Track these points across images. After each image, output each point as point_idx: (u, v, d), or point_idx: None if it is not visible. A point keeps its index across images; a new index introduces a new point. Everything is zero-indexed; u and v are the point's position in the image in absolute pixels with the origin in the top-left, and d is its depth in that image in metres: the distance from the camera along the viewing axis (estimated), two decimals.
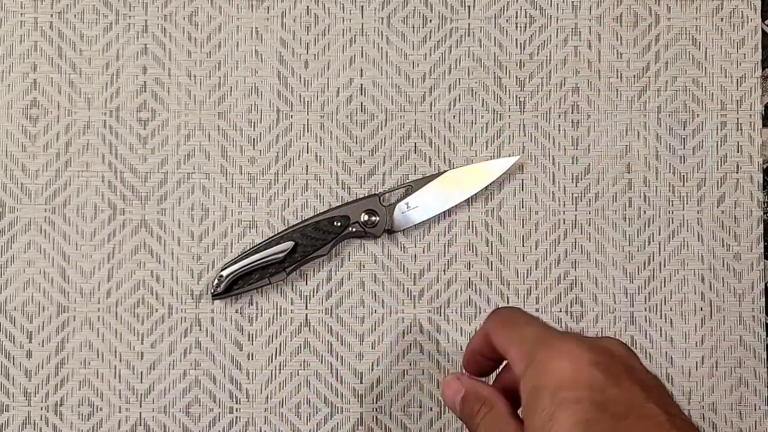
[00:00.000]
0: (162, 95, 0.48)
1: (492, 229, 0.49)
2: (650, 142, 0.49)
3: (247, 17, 0.49)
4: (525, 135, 0.49)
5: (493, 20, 0.49)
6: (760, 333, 0.48)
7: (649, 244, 0.49)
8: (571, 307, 0.48)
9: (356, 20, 0.49)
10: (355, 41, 0.49)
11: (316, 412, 0.47)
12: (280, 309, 0.48)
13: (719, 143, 0.49)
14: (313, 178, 0.49)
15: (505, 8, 0.49)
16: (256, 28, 0.49)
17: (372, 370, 0.48)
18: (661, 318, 0.48)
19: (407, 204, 0.47)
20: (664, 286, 0.48)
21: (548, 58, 0.49)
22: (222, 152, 0.48)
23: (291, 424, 0.47)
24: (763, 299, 0.48)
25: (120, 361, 0.47)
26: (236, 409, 0.47)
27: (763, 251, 0.49)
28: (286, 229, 0.47)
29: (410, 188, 0.48)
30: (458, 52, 0.49)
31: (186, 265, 0.48)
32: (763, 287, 0.49)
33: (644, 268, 0.48)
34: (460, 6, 0.49)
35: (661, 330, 0.48)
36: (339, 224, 0.47)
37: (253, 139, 0.49)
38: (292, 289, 0.48)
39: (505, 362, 0.35)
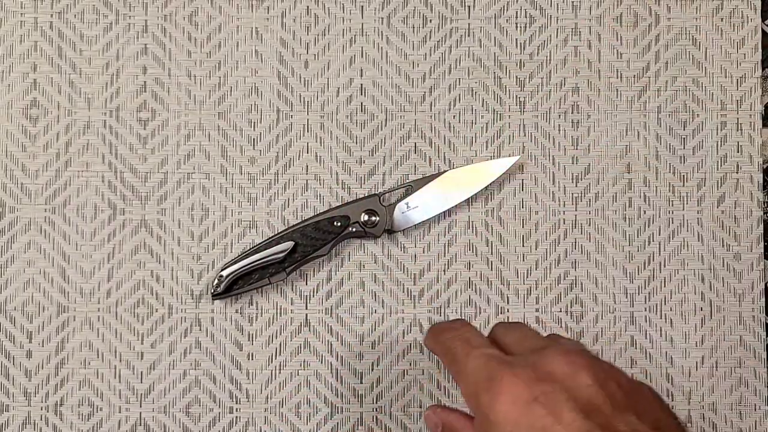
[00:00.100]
0: (162, 95, 0.49)
1: (492, 229, 0.49)
2: (650, 142, 0.49)
3: (247, 17, 0.49)
4: (525, 135, 0.49)
5: (493, 20, 0.49)
6: (760, 333, 0.48)
7: (649, 244, 0.49)
8: (571, 307, 0.48)
9: (356, 20, 0.49)
10: (355, 41, 0.49)
11: (316, 412, 0.47)
12: (280, 309, 0.48)
13: (719, 143, 0.49)
14: (313, 178, 0.49)
15: (505, 8, 0.49)
16: (256, 28, 0.49)
17: (372, 370, 0.48)
18: (661, 318, 0.48)
19: (407, 204, 0.47)
20: (664, 286, 0.48)
21: (548, 58, 0.49)
22: (222, 152, 0.48)
23: (291, 424, 0.47)
24: (763, 299, 0.48)
25: (120, 361, 0.47)
26: (236, 409, 0.47)
27: (763, 251, 0.49)
28: (286, 229, 0.47)
29: (410, 188, 0.48)
30: (458, 52, 0.49)
31: (186, 265, 0.48)
32: (763, 287, 0.49)
33: (644, 268, 0.48)
34: (460, 6, 0.49)
35: (661, 330, 0.48)
36: (339, 224, 0.47)
37: (253, 139, 0.49)
38: (292, 289, 0.48)
39: None
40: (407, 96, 0.49)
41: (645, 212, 0.49)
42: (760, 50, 0.50)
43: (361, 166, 0.49)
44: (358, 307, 0.48)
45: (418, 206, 0.47)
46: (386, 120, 0.49)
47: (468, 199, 0.48)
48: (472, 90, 0.49)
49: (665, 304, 0.48)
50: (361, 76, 0.49)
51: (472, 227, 0.49)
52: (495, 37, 0.49)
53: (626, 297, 0.48)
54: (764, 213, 0.49)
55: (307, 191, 0.48)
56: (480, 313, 0.48)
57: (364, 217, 0.47)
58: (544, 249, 0.49)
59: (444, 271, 0.48)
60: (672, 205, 0.49)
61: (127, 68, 0.49)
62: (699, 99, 0.49)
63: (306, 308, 0.48)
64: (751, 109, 0.49)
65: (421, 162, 0.49)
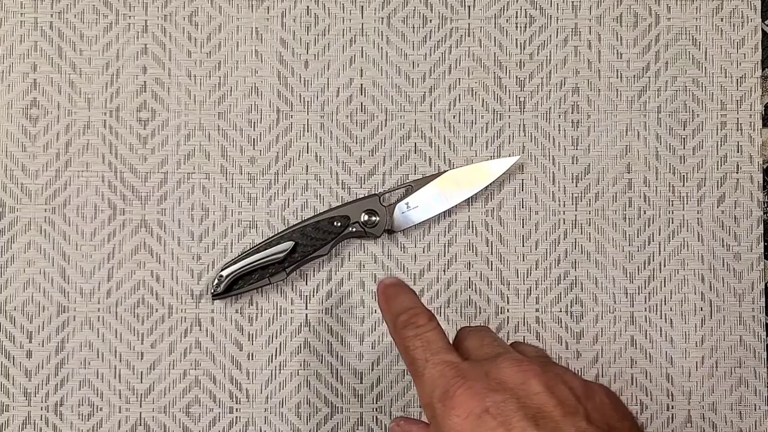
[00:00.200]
0: (162, 95, 0.49)
1: (492, 229, 0.49)
2: (650, 142, 0.49)
3: (247, 17, 0.49)
4: (525, 135, 0.49)
5: (493, 20, 0.49)
6: (760, 333, 0.48)
7: (649, 244, 0.49)
8: (571, 307, 0.48)
9: (356, 20, 0.49)
10: (355, 41, 0.49)
11: (316, 412, 0.47)
12: (280, 309, 0.48)
13: (719, 143, 0.49)
14: (313, 178, 0.49)
15: (505, 8, 0.49)
16: (256, 28, 0.49)
17: (372, 370, 0.48)
18: (661, 318, 0.48)
19: (407, 204, 0.47)
20: (664, 286, 0.48)
21: (548, 58, 0.49)
22: (222, 152, 0.48)
23: (291, 424, 0.47)
24: (763, 299, 0.48)
25: (120, 361, 0.47)
26: (236, 409, 0.47)
27: (763, 251, 0.49)
28: (286, 229, 0.47)
29: (410, 188, 0.48)
30: (458, 52, 0.49)
31: (186, 265, 0.48)
32: (763, 287, 0.49)
33: (644, 268, 0.49)
34: (460, 6, 0.49)
35: (661, 330, 0.48)
36: (339, 224, 0.47)
37: (253, 139, 0.49)
38: (292, 289, 0.48)
39: None
40: (407, 96, 0.49)
41: (645, 212, 0.49)
42: (760, 50, 0.50)
43: (361, 166, 0.49)
44: (358, 307, 0.48)
45: (418, 206, 0.47)
46: (386, 120, 0.49)
47: (468, 199, 0.48)
48: (472, 90, 0.49)
49: (665, 304, 0.48)
50: (361, 76, 0.49)
51: (472, 227, 0.49)
52: (495, 37, 0.49)
53: (626, 297, 0.48)
54: (764, 213, 0.49)
55: (307, 191, 0.48)
56: (480, 313, 0.48)
57: (364, 217, 0.47)
58: (544, 249, 0.49)
59: (444, 271, 0.48)
60: (672, 205, 0.49)
61: (127, 68, 0.49)
62: (699, 99, 0.49)
63: (306, 308, 0.48)
64: (751, 109, 0.49)
65: (421, 162, 0.49)
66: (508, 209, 0.49)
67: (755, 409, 0.48)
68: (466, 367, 0.33)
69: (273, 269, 0.46)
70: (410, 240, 0.48)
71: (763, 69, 0.50)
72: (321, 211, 0.48)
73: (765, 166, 0.49)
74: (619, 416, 0.32)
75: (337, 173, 0.49)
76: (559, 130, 0.49)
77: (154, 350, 0.47)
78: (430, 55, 0.49)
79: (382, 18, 0.49)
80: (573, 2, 0.49)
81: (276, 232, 0.47)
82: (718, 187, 0.49)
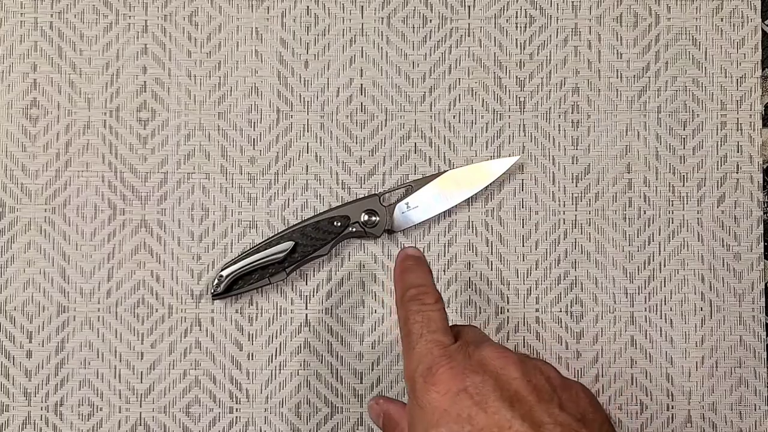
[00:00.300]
0: (162, 95, 0.49)
1: (492, 229, 0.49)
2: (650, 142, 0.49)
3: (247, 17, 0.49)
4: (525, 135, 0.49)
5: (493, 20, 0.49)
6: (760, 333, 0.48)
7: (649, 244, 0.49)
8: (571, 307, 0.48)
9: (356, 20, 0.49)
10: (355, 41, 0.49)
11: (316, 412, 0.47)
12: (280, 309, 0.48)
13: (719, 143, 0.49)
14: (313, 178, 0.49)
15: (505, 8, 0.49)
16: (256, 28, 0.49)
17: (372, 370, 0.48)
18: (661, 318, 0.48)
19: (407, 204, 0.47)
20: (664, 286, 0.48)
21: (548, 58, 0.49)
22: (222, 152, 0.48)
23: (291, 424, 0.47)
24: (763, 299, 0.48)
25: (120, 361, 0.47)
26: (236, 409, 0.47)
27: (763, 251, 0.49)
28: (286, 229, 0.47)
29: (410, 188, 0.48)
30: (458, 52, 0.49)
31: (186, 265, 0.48)
32: (763, 287, 0.49)
33: (644, 268, 0.48)
34: (460, 6, 0.49)
35: (661, 330, 0.48)
36: (339, 224, 0.47)
37: (253, 139, 0.49)
38: (292, 289, 0.48)
39: None
40: (407, 96, 0.49)
41: (645, 212, 0.49)
42: (760, 50, 0.50)
43: (361, 166, 0.49)
44: (358, 307, 0.48)
45: (418, 206, 0.47)
46: (386, 120, 0.49)
47: (468, 199, 0.48)
48: (472, 90, 0.49)
49: (665, 304, 0.48)
50: (361, 76, 0.49)
51: (472, 227, 0.49)
52: (495, 37, 0.49)
53: (626, 297, 0.48)
54: (764, 213, 0.49)
55: (307, 191, 0.48)
56: (480, 313, 0.48)
57: (364, 217, 0.47)
58: (544, 249, 0.49)
59: (444, 271, 0.48)
60: (672, 205, 0.49)
61: (127, 68, 0.49)
62: (699, 99, 0.49)
63: (306, 308, 0.48)
64: (751, 109, 0.49)
65: (421, 162, 0.49)
66: (508, 209, 0.49)
67: (755, 409, 0.48)
68: (453, 349, 0.34)
69: (273, 269, 0.46)
70: (410, 240, 0.48)
71: (763, 69, 0.50)
72: (321, 211, 0.48)
73: (765, 166, 0.49)
74: (593, 409, 0.33)
75: (337, 173, 0.49)
76: (559, 130, 0.49)
77: (154, 350, 0.47)
78: (430, 55, 0.49)
79: (382, 18, 0.49)
80: (573, 2, 0.49)
81: (276, 232, 0.47)
82: (718, 187, 0.49)
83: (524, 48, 0.49)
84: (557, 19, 0.49)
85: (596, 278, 0.48)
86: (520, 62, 0.49)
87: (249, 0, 0.49)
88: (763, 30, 0.50)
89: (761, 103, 0.49)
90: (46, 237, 0.48)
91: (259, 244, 0.47)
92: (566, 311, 0.48)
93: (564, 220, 0.49)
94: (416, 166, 0.49)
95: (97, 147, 0.48)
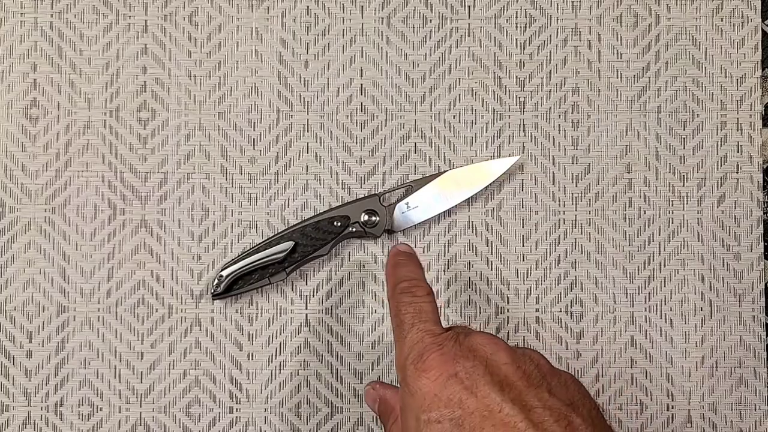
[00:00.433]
0: (162, 95, 0.49)
1: (492, 229, 0.49)
2: (650, 142, 0.49)
3: (247, 17, 0.49)
4: (525, 135, 0.49)
5: (493, 20, 0.49)
6: (760, 333, 0.48)
7: (649, 244, 0.49)
8: (571, 307, 0.48)
9: (356, 20, 0.49)
10: (355, 41, 0.49)
11: (316, 412, 0.47)
12: (280, 309, 0.48)
13: (719, 143, 0.49)
14: (313, 178, 0.49)
15: (505, 8, 0.49)
16: (256, 28, 0.49)
17: (372, 370, 0.48)
18: (661, 318, 0.48)
19: (407, 204, 0.47)
20: (664, 286, 0.48)
21: (548, 58, 0.49)
22: (222, 152, 0.48)
23: (291, 424, 0.47)
24: (763, 299, 0.48)
25: (120, 361, 0.47)
26: (236, 409, 0.47)
27: (763, 251, 0.49)
28: (286, 229, 0.47)
29: (410, 188, 0.48)
30: (458, 52, 0.49)
31: (186, 265, 0.48)
32: (763, 287, 0.49)
33: (644, 268, 0.48)
34: (460, 6, 0.49)
35: (661, 330, 0.48)
36: (339, 224, 0.47)
37: (253, 139, 0.49)
38: (292, 289, 0.48)
39: None
40: (407, 96, 0.49)
41: (645, 212, 0.49)
42: (760, 50, 0.50)
43: (361, 166, 0.49)
44: (358, 307, 0.48)
45: (418, 206, 0.47)
46: (386, 120, 0.49)
47: (468, 199, 0.48)
48: (472, 90, 0.49)
49: (665, 304, 0.48)
50: (361, 76, 0.49)
51: (472, 227, 0.49)
52: (495, 37, 0.49)
53: (626, 297, 0.48)
54: (764, 213, 0.49)
55: (307, 191, 0.48)
56: (480, 313, 0.48)
57: (364, 217, 0.47)
58: (544, 249, 0.49)
59: (444, 271, 0.48)
60: (672, 205, 0.49)
61: (127, 68, 0.49)
62: (699, 99, 0.49)
63: (306, 308, 0.48)
64: (751, 109, 0.49)
65: (421, 162, 0.49)
66: (508, 209, 0.49)
67: (755, 409, 0.48)
68: (443, 336, 0.34)
69: (273, 269, 0.46)
70: (410, 240, 0.48)
71: (763, 69, 0.50)
72: (321, 211, 0.48)
73: (765, 166, 0.49)
74: (582, 396, 0.33)
75: (337, 173, 0.49)
76: (559, 130, 0.49)
77: (154, 350, 0.47)
78: (430, 55, 0.49)
79: (382, 18, 0.49)
80: (573, 2, 0.49)
81: (276, 232, 0.47)
82: (718, 187, 0.49)
83: (524, 48, 0.49)
84: (557, 19, 0.49)
85: (596, 278, 0.48)
86: (520, 62, 0.49)
87: (249, 0, 0.49)
88: (763, 30, 0.50)
89: (761, 103, 0.49)
90: (46, 237, 0.48)
91: (259, 244, 0.47)
92: (566, 311, 0.48)
93: (564, 220, 0.49)
94: (416, 166, 0.49)
95: (97, 147, 0.48)
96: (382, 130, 0.49)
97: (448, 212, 0.48)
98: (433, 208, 0.48)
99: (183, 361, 0.47)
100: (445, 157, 0.49)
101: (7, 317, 0.47)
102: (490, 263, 0.48)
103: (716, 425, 0.48)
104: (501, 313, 0.48)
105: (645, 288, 0.48)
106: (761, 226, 0.49)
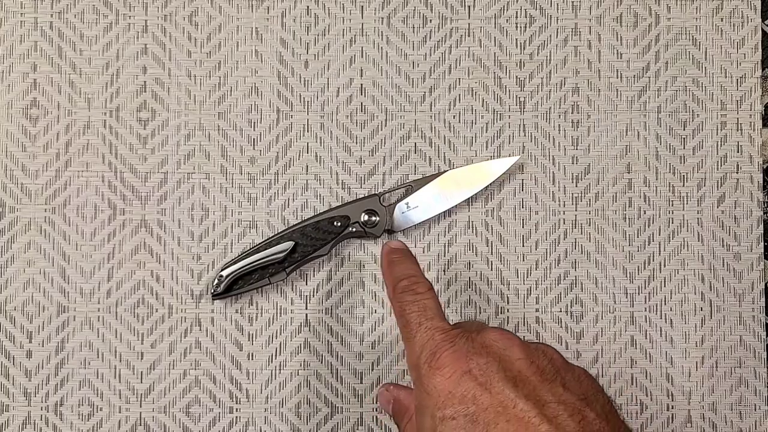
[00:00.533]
0: (162, 95, 0.49)
1: (492, 229, 0.49)
2: (650, 142, 0.49)
3: (247, 17, 0.49)
4: (525, 135, 0.49)
5: (493, 20, 0.49)
6: (760, 333, 0.48)
7: (649, 244, 0.49)
8: (571, 307, 0.48)
9: (356, 20, 0.49)
10: (355, 41, 0.49)
11: (316, 412, 0.47)
12: (280, 309, 0.48)
13: (719, 143, 0.49)
14: (313, 178, 0.49)
15: (505, 8, 0.49)
16: (256, 28, 0.49)
17: (372, 370, 0.48)
18: (661, 318, 0.48)
19: (407, 204, 0.47)
20: (664, 286, 0.48)
21: (548, 58, 0.49)
22: (222, 152, 0.48)
23: (291, 424, 0.47)
24: (763, 299, 0.48)
25: (120, 361, 0.47)
26: (236, 409, 0.47)
27: (763, 251, 0.49)
28: (286, 229, 0.47)
29: (410, 188, 0.48)
30: (458, 52, 0.49)
31: (186, 265, 0.48)
32: (763, 287, 0.49)
33: (644, 268, 0.48)
34: (460, 6, 0.49)
35: (661, 330, 0.48)
36: (339, 224, 0.47)
37: (253, 139, 0.49)
38: (292, 289, 0.48)
39: None
40: (407, 96, 0.49)
41: (645, 212, 0.49)
42: (760, 50, 0.50)
43: (361, 166, 0.49)
44: (358, 307, 0.48)
45: (418, 206, 0.47)
46: (386, 120, 0.49)
47: (468, 199, 0.48)
48: (472, 90, 0.49)
49: (665, 304, 0.48)
50: (361, 76, 0.49)
51: (472, 227, 0.49)
52: (495, 37, 0.49)
53: (626, 297, 0.48)
54: (764, 213, 0.49)
55: (307, 191, 0.48)
56: (480, 313, 0.48)
57: (364, 217, 0.47)
58: (544, 249, 0.49)
59: (444, 271, 0.48)
60: (672, 205, 0.49)
61: (127, 68, 0.49)
62: (699, 99, 0.49)
63: (306, 308, 0.48)
64: (751, 109, 0.49)
65: (421, 162, 0.49)
66: (508, 209, 0.49)
67: (755, 409, 0.48)
68: (454, 333, 0.34)
69: (273, 269, 0.46)
70: (410, 240, 0.48)
71: (763, 69, 0.50)
72: (321, 211, 0.48)
73: (765, 166, 0.49)
74: (595, 391, 0.33)
75: (337, 173, 0.49)
76: (559, 130, 0.49)
77: (154, 350, 0.47)
78: (430, 55, 0.49)
79: (382, 18, 0.49)
80: (573, 2, 0.49)
81: (276, 232, 0.47)
82: (718, 187, 0.49)
83: (524, 48, 0.49)
84: (557, 19, 0.49)
85: (596, 278, 0.48)
86: (520, 62, 0.49)
87: (249, 0, 0.49)
88: (763, 30, 0.50)
89: (761, 103, 0.49)
90: (46, 237, 0.48)
91: (259, 244, 0.47)
92: (566, 311, 0.48)
93: (564, 220, 0.49)
94: (416, 166, 0.49)
95: (97, 147, 0.48)
96: (382, 130, 0.49)
97: (448, 212, 0.48)
98: (433, 208, 0.48)
99: (183, 361, 0.47)
100: (445, 157, 0.49)
101: (7, 317, 0.47)
102: (490, 263, 0.48)
103: (716, 425, 0.48)
104: (501, 313, 0.48)
105: (645, 288, 0.48)
106: (761, 226, 0.49)
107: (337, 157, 0.49)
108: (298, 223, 0.47)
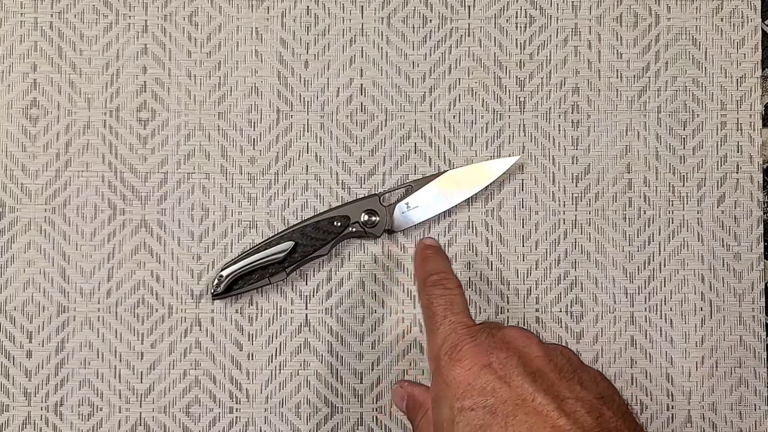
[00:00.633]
0: (162, 95, 0.49)
1: (492, 229, 0.49)
2: (650, 142, 0.49)
3: (247, 17, 0.49)
4: (525, 135, 0.49)
5: (493, 20, 0.49)
6: (760, 333, 0.48)
7: (649, 244, 0.49)
8: (571, 307, 0.48)
9: (356, 20, 0.49)
10: (355, 41, 0.49)
11: (316, 412, 0.47)
12: (280, 309, 0.48)
13: (719, 143, 0.49)
14: (313, 178, 0.49)
15: (505, 8, 0.49)
16: (256, 28, 0.49)
17: (372, 370, 0.48)
18: (661, 318, 0.48)
19: (407, 204, 0.47)
20: (664, 286, 0.48)
21: (548, 58, 0.49)
22: (222, 152, 0.48)
23: (291, 424, 0.47)
24: (763, 299, 0.48)
25: (120, 361, 0.47)
26: (236, 409, 0.47)
27: (763, 251, 0.49)
28: (286, 229, 0.47)
29: (410, 188, 0.48)
30: (458, 52, 0.49)
31: (186, 265, 0.48)
32: (763, 287, 0.49)
33: (644, 268, 0.48)
34: (460, 6, 0.49)
35: (661, 330, 0.48)
36: (339, 224, 0.47)
37: (253, 139, 0.49)
38: (292, 289, 0.48)
39: None
40: (407, 96, 0.49)
41: (645, 212, 0.49)
42: (760, 50, 0.50)
43: (361, 166, 0.49)
44: (358, 307, 0.48)
45: (418, 206, 0.47)
46: (386, 120, 0.49)
47: (468, 199, 0.48)
48: (472, 90, 0.49)
49: (665, 304, 0.48)
50: (361, 76, 0.49)
51: (472, 227, 0.49)
52: (495, 37, 0.49)
53: (626, 297, 0.48)
54: (764, 213, 0.49)
55: (307, 191, 0.48)
56: (480, 313, 0.48)
57: (364, 217, 0.47)
58: (544, 249, 0.49)
59: None
60: (672, 205, 0.49)
61: (127, 68, 0.49)
62: (699, 99, 0.49)
63: (306, 308, 0.48)
64: (751, 109, 0.49)
65: (421, 162, 0.49)
66: (508, 209, 0.49)
67: (755, 409, 0.48)
68: (476, 329, 0.35)
69: (273, 269, 0.46)
70: (410, 240, 0.48)
71: (763, 69, 0.50)
72: (321, 211, 0.48)
73: (765, 166, 0.49)
74: (612, 392, 0.33)
75: (337, 173, 0.49)
76: (559, 130, 0.49)
77: (154, 350, 0.47)
78: (430, 55, 0.49)
79: (382, 18, 0.49)
80: (573, 2, 0.49)
81: (276, 232, 0.47)
82: (718, 187, 0.49)
83: (524, 48, 0.49)
84: (557, 19, 0.49)
85: (596, 278, 0.48)
86: (520, 62, 0.49)
87: (249, 0, 0.49)
88: (763, 30, 0.50)
89: (761, 103, 0.49)
90: (46, 237, 0.48)
91: (259, 244, 0.47)
92: (566, 311, 0.48)
93: (564, 220, 0.49)
94: (416, 166, 0.49)
95: (97, 147, 0.48)
96: (382, 130, 0.49)
97: (448, 212, 0.48)
98: (433, 208, 0.48)
99: (183, 361, 0.47)
100: (445, 157, 0.49)
101: (7, 317, 0.47)
102: (490, 263, 0.48)
103: (716, 425, 0.48)
104: (501, 313, 0.48)
105: (645, 288, 0.48)
106: (761, 226, 0.49)
107: (337, 157, 0.49)
108: (298, 223, 0.47)
